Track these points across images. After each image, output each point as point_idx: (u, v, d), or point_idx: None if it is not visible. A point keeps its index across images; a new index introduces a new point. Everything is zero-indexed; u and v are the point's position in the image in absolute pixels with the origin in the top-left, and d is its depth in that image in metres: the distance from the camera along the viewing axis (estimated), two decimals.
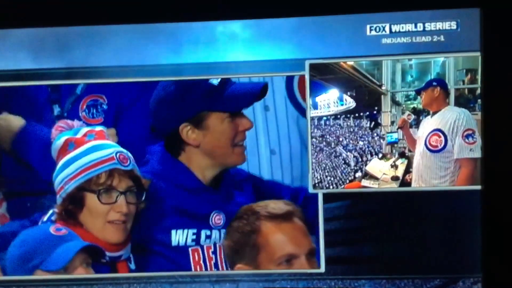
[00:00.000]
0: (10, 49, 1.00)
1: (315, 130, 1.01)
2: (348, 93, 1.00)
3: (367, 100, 1.00)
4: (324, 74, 0.99)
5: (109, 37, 0.99)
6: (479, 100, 0.98)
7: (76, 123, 1.01)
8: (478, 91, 0.98)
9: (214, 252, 1.04)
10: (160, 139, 1.03)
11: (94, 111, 1.02)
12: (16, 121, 1.02)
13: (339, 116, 1.01)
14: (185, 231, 1.02)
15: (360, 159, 1.02)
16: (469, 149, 0.99)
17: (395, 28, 0.97)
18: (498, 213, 1.00)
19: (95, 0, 0.97)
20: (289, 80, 1.01)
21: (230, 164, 1.03)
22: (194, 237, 1.02)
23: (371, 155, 1.02)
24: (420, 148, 1.01)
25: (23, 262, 0.96)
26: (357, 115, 1.01)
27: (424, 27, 0.97)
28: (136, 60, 1.00)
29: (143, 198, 1.00)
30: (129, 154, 0.99)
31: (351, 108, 1.01)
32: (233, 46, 0.99)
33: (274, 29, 0.98)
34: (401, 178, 1.01)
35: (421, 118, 1.01)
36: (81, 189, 0.96)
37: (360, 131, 1.01)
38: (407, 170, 1.01)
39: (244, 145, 1.02)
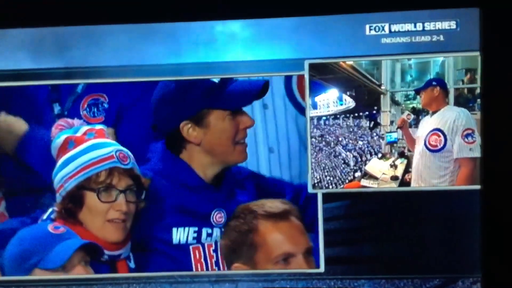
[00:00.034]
0: (9, 49, 0.99)
1: (315, 130, 1.00)
2: (348, 93, 1.00)
3: (367, 100, 1.00)
4: (324, 74, 0.99)
5: (108, 37, 0.99)
6: (478, 100, 0.98)
7: (76, 121, 1.00)
8: (478, 90, 0.98)
9: (215, 250, 1.03)
10: (161, 138, 1.03)
11: (95, 110, 1.02)
12: (19, 126, 1.01)
13: (338, 116, 1.00)
14: (186, 229, 1.02)
15: (359, 159, 1.01)
16: (469, 149, 0.99)
17: (395, 27, 0.97)
18: (497, 213, 0.99)
19: (94, 0, 0.97)
20: (288, 78, 1.00)
21: (231, 162, 1.03)
22: (195, 235, 1.02)
23: (371, 155, 1.01)
24: (419, 147, 1.00)
25: (21, 260, 0.95)
26: (356, 114, 1.00)
27: (423, 26, 0.97)
28: (136, 60, 0.99)
29: (143, 197, 1.00)
30: (129, 153, 0.99)
31: (350, 108, 1.00)
32: (232, 46, 0.99)
33: (274, 29, 0.98)
34: (400, 177, 1.01)
35: (420, 117, 1.00)
36: (81, 187, 0.96)
37: (360, 131, 1.01)
38: (407, 170, 1.01)
39: (246, 143, 1.02)
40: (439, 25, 0.96)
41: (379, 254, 1.01)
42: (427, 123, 1.00)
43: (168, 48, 0.99)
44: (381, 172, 1.01)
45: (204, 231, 1.03)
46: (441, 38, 0.97)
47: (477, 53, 0.96)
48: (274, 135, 1.03)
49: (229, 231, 1.01)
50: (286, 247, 0.99)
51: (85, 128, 0.99)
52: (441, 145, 1.00)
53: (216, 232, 1.03)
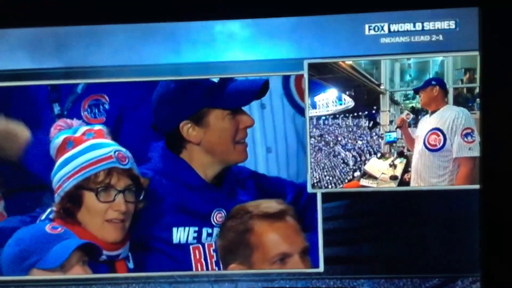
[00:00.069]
0: (8, 48, 0.99)
1: (314, 130, 1.00)
2: (347, 93, 0.99)
3: (366, 100, 0.99)
4: (323, 74, 0.98)
5: (107, 37, 0.98)
6: (477, 99, 0.97)
7: (75, 122, 1.00)
8: (477, 90, 0.97)
9: (215, 250, 1.03)
10: (161, 137, 1.02)
11: (96, 110, 1.01)
12: (21, 134, 1.01)
13: (337, 116, 1.00)
14: (187, 228, 1.01)
15: (358, 159, 1.01)
16: (468, 148, 0.98)
17: (394, 27, 0.96)
18: (496, 212, 0.99)
19: (94, 0, 0.96)
20: (286, 78, 1.00)
21: (232, 161, 1.02)
22: (196, 234, 1.01)
23: (370, 155, 1.01)
24: (418, 147, 1.00)
25: (19, 260, 0.95)
26: (355, 114, 1.00)
27: (422, 26, 0.96)
28: (135, 59, 0.98)
29: (142, 197, 0.99)
30: (128, 153, 0.99)
31: (349, 107, 1.00)
32: (232, 46, 0.98)
33: (273, 29, 0.97)
34: (399, 177, 1.00)
35: (419, 117, 1.00)
36: (79, 187, 0.95)
37: (359, 131, 1.00)
38: (406, 170, 1.00)
39: (246, 143, 1.01)
40: (438, 24, 0.96)
41: (379, 253, 1.01)
42: (426, 123, 1.00)
43: (168, 48, 0.98)
44: (381, 172, 1.00)
45: (205, 231, 1.02)
46: (440, 37, 0.96)
47: (476, 53, 0.96)
48: (272, 135, 1.02)
49: (226, 232, 1.00)
50: (283, 247, 0.98)
51: (84, 128, 0.98)
52: (441, 145, 0.99)
53: (217, 232, 1.02)
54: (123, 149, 0.98)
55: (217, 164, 1.02)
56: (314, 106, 0.99)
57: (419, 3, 0.95)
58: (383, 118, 1.00)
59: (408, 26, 0.96)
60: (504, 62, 0.96)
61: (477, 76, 0.97)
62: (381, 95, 0.99)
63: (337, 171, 1.01)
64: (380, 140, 1.00)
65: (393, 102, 0.99)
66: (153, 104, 1.00)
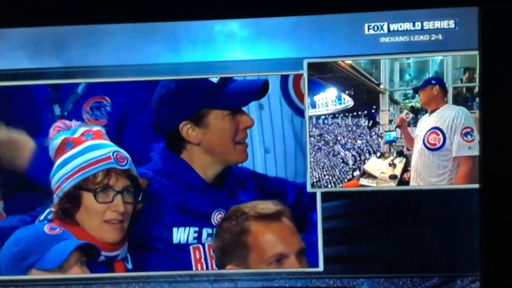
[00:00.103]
0: (8, 48, 0.98)
1: (313, 129, 0.99)
2: (346, 92, 0.98)
3: (365, 99, 0.98)
4: (322, 73, 0.97)
5: (107, 37, 0.97)
6: (477, 99, 0.96)
7: (74, 123, 0.99)
8: (476, 89, 0.96)
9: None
10: (162, 138, 1.01)
11: (98, 113, 1.00)
12: (25, 144, 0.99)
13: (337, 115, 0.99)
14: (187, 229, 1.00)
15: (358, 158, 1.00)
16: (468, 147, 0.97)
17: (393, 27, 0.96)
18: (496, 212, 0.98)
19: (94, 0, 0.95)
20: (284, 78, 0.99)
21: (232, 161, 1.01)
22: (196, 235, 1.00)
23: (369, 154, 1.00)
24: (418, 146, 0.99)
25: (17, 261, 0.94)
26: (355, 114, 0.99)
27: (422, 25, 0.95)
28: (135, 59, 0.98)
29: (140, 198, 0.98)
30: (126, 154, 0.98)
31: (349, 107, 0.99)
32: (231, 45, 0.97)
33: (273, 28, 0.96)
34: (399, 176, 0.99)
35: (419, 116, 0.99)
36: (78, 188, 0.94)
37: (358, 130, 0.99)
38: (405, 169, 0.99)
39: (246, 143, 1.00)
40: (438, 24, 0.95)
41: (378, 253, 1.00)
42: (426, 122, 0.99)
43: (167, 48, 0.97)
44: (380, 171, 0.99)
45: (205, 231, 1.01)
46: (440, 37, 0.95)
47: (476, 52, 0.95)
48: (270, 135, 1.01)
49: (222, 233, 0.99)
50: (279, 248, 0.97)
51: (83, 129, 0.97)
52: (440, 144, 0.98)
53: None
54: (122, 150, 0.97)
55: (217, 165, 1.01)
56: (313, 105, 0.98)
57: (419, 3, 0.95)
58: (383, 117, 0.99)
59: (408, 26, 0.95)
60: (504, 62, 0.95)
61: (477, 75, 0.96)
62: (380, 95, 0.98)
63: (336, 170, 1.00)
64: (379, 139, 0.99)
65: (393, 101, 0.98)
66: (153, 105, 0.99)
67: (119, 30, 0.97)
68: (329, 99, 0.98)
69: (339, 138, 0.99)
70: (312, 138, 0.99)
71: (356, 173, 1.00)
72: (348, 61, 0.97)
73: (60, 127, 0.97)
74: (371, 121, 0.99)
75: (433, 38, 0.95)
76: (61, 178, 0.94)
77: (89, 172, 0.94)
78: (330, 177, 0.99)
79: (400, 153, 0.99)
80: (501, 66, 0.95)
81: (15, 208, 1.01)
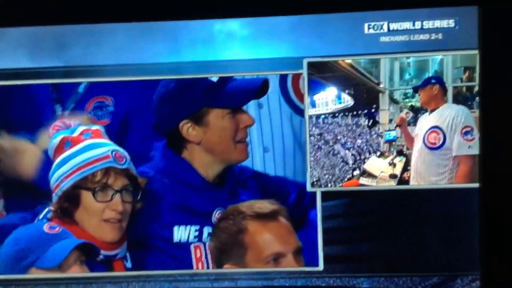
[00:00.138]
0: (8, 47, 0.96)
1: (313, 128, 0.97)
2: (346, 91, 0.97)
3: (365, 98, 0.97)
4: (322, 72, 0.96)
5: (107, 36, 0.95)
6: (477, 98, 0.95)
7: (73, 122, 0.97)
8: (476, 89, 0.95)
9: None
10: (163, 137, 1.00)
11: (101, 113, 0.99)
12: (30, 152, 0.98)
13: (337, 114, 0.97)
14: (188, 227, 0.99)
15: (358, 157, 0.98)
16: (468, 146, 0.95)
17: (393, 26, 0.94)
18: (495, 211, 0.96)
19: None
20: (283, 77, 0.97)
21: (232, 161, 0.99)
22: (197, 233, 0.99)
23: (369, 153, 0.98)
24: (418, 145, 0.97)
25: (17, 260, 0.93)
26: (355, 113, 0.97)
27: (422, 25, 0.93)
28: (135, 58, 0.96)
29: (139, 197, 0.97)
30: (125, 153, 0.96)
31: (349, 106, 0.97)
32: (231, 45, 0.95)
33: (272, 27, 0.95)
34: (399, 176, 0.97)
35: (418, 115, 0.97)
36: (77, 187, 0.93)
37: (358, 129, 0.98)
38: (405, 168, 0.97)
39: (247, 142, 0.98)
40: (438, 23, 0.93)
41: (378, 252, 0.98)
42: (426, 121, 0.97)
43: (168, 47, 0.95)
44: (380, 170, 0.97)
45: (206, 230, 0.99)
46: (440, 36, 0.94)
47: (476, 51, 0.93)
48: (269, 134, 1.00)
49: (219, 233, 0.97)
50: (276, 247, 0.96)
51: (82, 128, 0.96)
52: (440, 143, 0.96)
53: None
54: (121, 149, 0.96)
55: (218, 164, 1.00)
56: (313, 104, 0.97)
57: (419, 2, 0.93)
58: (383, 116, 0.97)
59: (408, 25, 0.94)
60: (504, 61, 0.94)
61: (477, 74, 0.94)
62: (380, 94, 0.97)
63: (336, 169, 0.98)
64: (379, 138, 0.97)
65: (393, 100, 0.97)
66: (154, 104, 0.98)
67: (119, 30, 0.95)
68: (329, 99, 0.97)
69: (339, 137, 0.98)
70: (312, 137, 0.97)
71: (356, 172, 0.98)
72: (348, 60, 0.95)
73: (59, 126, 0.96)
74: (371, 120, 0.97)
75: (433, 38, 0.93)
76: (60, 177, 0.93)
77: (88, 171, 0.93)
78: (330, 177, 0.98)
79: (400, 153, 0.98)
80: (501, 66, 0.94)
81: (15, 207, 0.99)
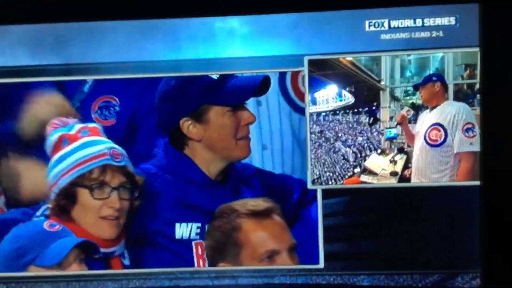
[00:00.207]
0: (9, 45, 0.93)
1: (314, 126, 0.94)
2: (347, 89, 0.94)
3: (366, 96, 0.94)
4: (323, 70, 0.93)
5: (107, 33, 0.93)
6: (478, 95, 0.92)
7: (71, 120, 0.94)
8: (477, 86, 0.92)
9: None
10: (165, 135, 0.97)
11: (107, 113, 0.96)
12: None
13: (338, 112, 0.94)
14: (189, 224, 0.95)
15: (359, 155, 0.95)
16: (469, 143, 0.92)
17: (394, 23, 0.91)
18: (496, 209, 0.93)
19: None
20: (282, 75, 0.94)
21: (234, 158, 0.96)
22: (198, 230, 0.96)
23: (370, 151, 0.95)
24: (419, 143, 0.94)
25: (16, 257, 0.90)
26: (356, 110, 0.94)
27: (423, 22, 0.91)
28: (135, 56, 0.93)
29: (136, 194, 0.94)
30: (122, 150, 0.93)
31: (350, 103, 0.94)
32: (231, 42, 0.93)
33: (273, 25, 0.92)
34: (400, 173, 0.95)
35: (419, 112, 0.94)
36: (74, 184, 0.90)
37: (359, 127, 0.95)
38: (406, 166, 0.95)
39: (249, 138, 0.95)
40: (439, 21, 0.91)
41: (379, 249, 0.95)
42: (427, 118, 0.94)
43: (168, 45, 0.93)
44: (381, 168, 0.95)
45: (207, 227, 0.95)
46: (441, 34, 0.91)
47: (477, 49, 0.91)
48: (268, 132, 0.97)
49: (213, 231, 0.94)
50: (271, 244, 0.93)
51: (79, 126, 0.93)
52: (442, 140, 0.93)
53: None
54: (118, 147, 0.93)
55: (219, 161, 0.96)
56: (314, 102, 0.94)
57: None
58: (383, 114, 0.94)
59: (409, 22, 0.91)
60: (505, 58, 0.91)
61: (478, 72, 0.91)
62: (381, 91, 0.93)
63: (337, 167, 0.95)
64: (380, 136, 0.94)
65: (394, 98, 0.94)
66: (155, 102, 0.95)
67: (119, 27, 0.93)
68: (329, 96, 0.94)
69: (339, 135, 0.95)
70: (312, 135, 0.94)
71: (357, 170, 0.95)
72: (349, 58, 0.92)
73: (57, 124, 0.93)
74: (371, 118, 0.94)
75: (434, 35, 0.91)
76: (57, 174, 0.90)
77: (85, 169, 0.90)
78: (331, 174, 0.95)
79: (401, 150, 0.95)
80: (502, 63, 0.91)
81: (16, 204, 0.96)
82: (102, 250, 0.93)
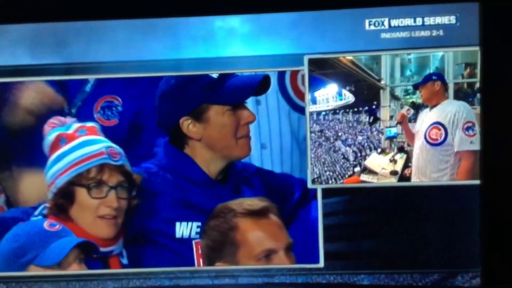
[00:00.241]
0: (9, 44, 0.92)
1: (314, 125, 0.92)
2: (347, 88, 0.92)
3: (366, 95, 0.92)
4: (323, 69, 0.91)
5: (107, 33, 0.91)
6: (478, 95, 0.90)
7: (68, 119, 0.93)
8: (477, 85, 0.90)
9: None
10: (166, 134, 0.95)
11: (109, 113, 0.95)
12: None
13: (338, 111, 0.92)
14: (190, 223, 0.94)
15: (359, 154, 0.93)
16: (470, 142, 0.91)
17: (394, 22, 0.90)
18: (496, 208, 0.92)
19: None
20: (281, 74, 0.92)
21: (234, 157, 0.94)
22: (199, 230, 0.94)
23: (370, 150, 0.93)
24: (419, 142, 0.92)
25: (16, 257, 0.88)
26: (356, 109, 0.92)
27: (423, 21, 0.89)
28: (135, 55, 0.91)
29: (134, 193, 0.92)
30: (120, 149, 0.92)
31: (350, 102, 0.92)
32: (231, 41, 0.91)
33: (273, 24, 0.90)
34: (400, 172, 0.93)
35: (419, 111, 0.92)
36: (72, 183, 0.89)
37: (359, 126, 0.93)
38: (406, 165, 0.93)
39: (249, 137, 0.93)
40: (439, 19, 0.89)
41: (379, 249, 0.94)
42: (427, 117, 0.92)
43: (168, 44, 0.91)
44: (381, 167, 0.93)
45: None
46: (441, 33, 0.89)
47: (477, 48, 0.89)
48: (267, 131, 0.95)
49: (210, 231, 0.92)
50: (267, 243, 0.91)
51: (77, 125, 0.92)
52: (442, 139, 0.91)
53: None
54: (115, 146, 0.92)
55: (219, 160, 0.94)
56: (314, 101, 0.92)
57: None
58: (384, 113, 0.92)
59: (409, 21, 0.89)
60: (505, 57, 0.89)
61: (478, 71, 0.90)
62: (381, 90, 0.92)
63: (337, 166, 0.93)
64: (380, 135, 0.93)
65: (394, 97, 0.92)
66: (156, 101, 0.93)
67: (119, 26, 0.91)
68: (329, 95, 0.92)
69: (339, 134, 0.93)
70: (312, 134, 0.92)
71: (357, 169, 0.93)
72: (349, 57, 0.91)
73: (55, 123, 0.92)
74: (372, 117, 0.92)
75: (434, 34, 0.89)
76: (55, 174, 0.89)
77: (82, 168, 0.89)
78: (331, 173, 0.93)
79: (401, 149, 0.93)
80: (502, 62, 0.89)
81: (16, 202, 0.95)
82: (100, 249, 0.91)
